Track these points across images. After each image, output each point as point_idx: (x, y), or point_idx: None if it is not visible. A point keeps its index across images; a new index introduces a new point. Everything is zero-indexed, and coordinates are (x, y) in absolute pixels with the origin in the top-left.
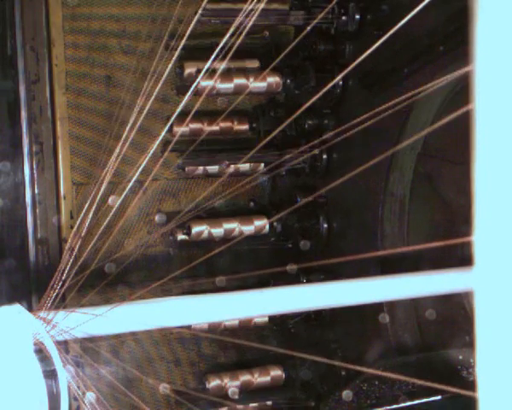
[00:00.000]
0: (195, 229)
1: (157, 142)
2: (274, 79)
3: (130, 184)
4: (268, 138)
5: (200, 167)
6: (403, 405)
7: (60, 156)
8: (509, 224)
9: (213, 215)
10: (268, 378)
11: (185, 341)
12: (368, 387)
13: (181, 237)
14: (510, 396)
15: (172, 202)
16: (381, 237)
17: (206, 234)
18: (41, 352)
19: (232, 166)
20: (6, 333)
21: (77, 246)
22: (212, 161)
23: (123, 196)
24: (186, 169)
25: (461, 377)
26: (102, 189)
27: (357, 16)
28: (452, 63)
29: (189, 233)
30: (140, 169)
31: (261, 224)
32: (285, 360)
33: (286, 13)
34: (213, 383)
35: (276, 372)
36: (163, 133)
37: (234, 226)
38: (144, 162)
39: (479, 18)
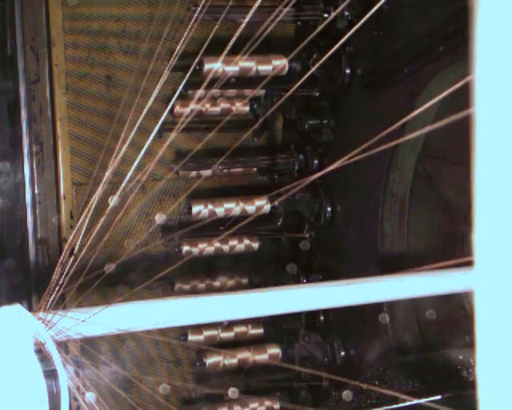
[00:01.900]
0: (196, 208)
1: (158, 124)
2: (280, 62)
3: (124, 183)
4: (265, 116)
5: (194, 171)
6: (403, 405)
7: (60, 156)
8: (509, 224)
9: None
10: (265, 356)
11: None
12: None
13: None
14: (510, 396)
15: (172, 201)
16: (381, 237)
17: (206, 213)
18: (41, 352)
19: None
20: (6, 333)
21: (76, 246)
22: (204, 166)
23: (117, 193)
24: (180, 173)
25: (461, 377)
26: (102, 189)
27: (347, 13)
28: (452, 63)
29: (189, 212)
30: (136, 163)
31: (262, 203)
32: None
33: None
34: (211, 359)
35: (274, 350)
36: (164, 115)
37: (234, 206)
38: (142, 153)
39: (479, 18)
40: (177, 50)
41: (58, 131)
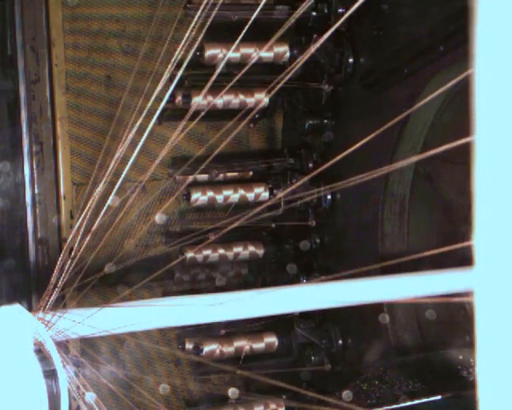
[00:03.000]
0: (195, 195)
1: (156, 114)
2: (282, 49)
3: (119, 182)
4: (264, 103)
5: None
6: (403, 405)
7: (60, 156)
8: (510, 224)
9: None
10: (262, 345)
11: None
12: (368, 387)
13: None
14: (510, 396)
15: (172, 201)
16: (381, 237)
17: (205, 200)
18: (41, 352)
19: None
20: (6, 333)
21: (75, 246)
22: (200, 170)
23: (117, 193)
24: (176, 178)
25: (461, 377)
26: (102, 189)
27: (341, 10)
28: (452, 63)
29: (188, 199)
30: (132, 158)
31: (260, 190)
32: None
33: (271, 8)
34: (208, 347)
35: (271, 339)
36: (162, 104)
37: (232, 193)
38: (140, 145)
39: (479, 18)
40: (177, 52)
41: (58, 131)
